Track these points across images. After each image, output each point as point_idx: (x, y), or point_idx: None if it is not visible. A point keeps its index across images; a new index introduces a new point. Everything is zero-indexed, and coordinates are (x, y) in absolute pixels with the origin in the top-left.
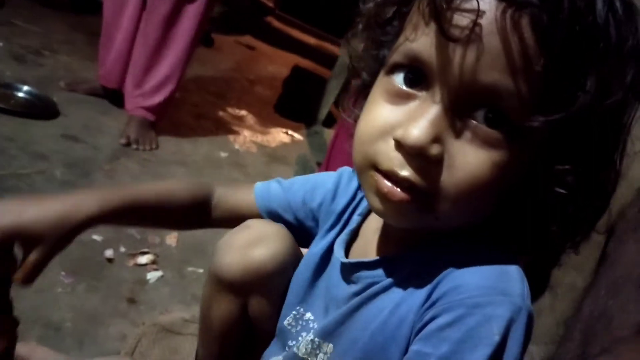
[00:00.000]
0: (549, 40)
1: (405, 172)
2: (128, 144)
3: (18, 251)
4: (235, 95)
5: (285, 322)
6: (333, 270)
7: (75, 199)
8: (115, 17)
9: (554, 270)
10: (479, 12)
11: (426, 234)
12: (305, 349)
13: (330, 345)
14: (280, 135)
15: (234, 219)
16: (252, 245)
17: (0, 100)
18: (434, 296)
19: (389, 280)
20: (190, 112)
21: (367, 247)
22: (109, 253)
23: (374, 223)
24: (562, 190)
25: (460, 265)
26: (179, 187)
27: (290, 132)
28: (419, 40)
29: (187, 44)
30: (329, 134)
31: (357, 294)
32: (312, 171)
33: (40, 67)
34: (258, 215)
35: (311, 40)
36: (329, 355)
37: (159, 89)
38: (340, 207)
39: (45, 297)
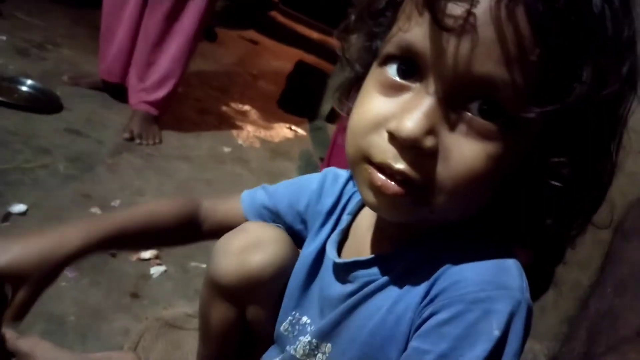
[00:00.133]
0: (544, 30)
1: (399, 164)
2: (131, 139)
3: (7, 289)
4: (238, 90)
5: (282, 328)
6: (325, 272)
7: (58, 236)
8: (115, 11)
9: (559, 267)
10: (473, 2)
11: (421, 229)
12: (303, 350)
13: (329, 345)
14: (283, 131)
15: (223, 230)
16: (249, 250)
17: (4, 94)
18: (433, 292)
19: (385, 278)
20: (193, 106)
21: (360, 246)
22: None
23: (365, 221)
24: (557, 183)
25: (458, 260)
26: (163, 210)
27: (293, 127)
28: (412, 31)
29: (189, 39)
30: (332, 129)
31: (353, 293)
32: (315, 167)
33: (44, 61)
34: None
35: (315, 35)
36: (327, 355)
37: (162, 84)
38: (327, 207)
39: (49, 291)
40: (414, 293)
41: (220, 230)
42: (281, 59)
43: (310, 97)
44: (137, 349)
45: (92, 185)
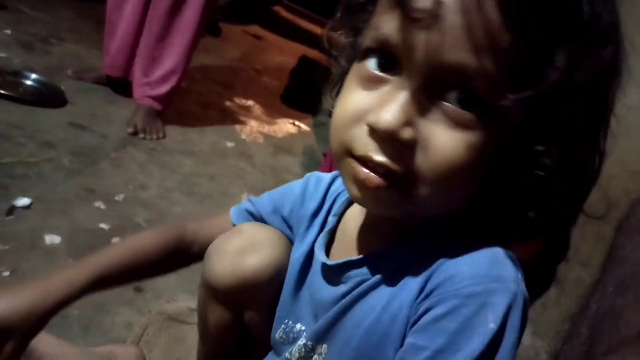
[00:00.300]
0: (514, 16)
1: (380, 157)
2: (135, 133)
3: None
4: (242, 85)
5: (277, 336)
6: (314, 276)
7: (42, 286)
8: (119, 5)
9: (561, 265)
10: None
11: (413, 226)
12: (299, 353)
13: (325, 345)
14: (286, 126)
15: None
16: (245, 253)
17: (9, 88)
18: (428, 288)
19: (379, 276)
20: (197, 101)
21: (349, 246)
22: (116, 241)
23: (353, 221)
24: (540, 172)
25: (452, 255)
26: (147, 243)
27: (296, 122)
28: (388, 24)
29: (191, 33)
30: None
31: (346, 294)
32: (318, 162)
33: (48, 55)
34: None
35: (319, 30)
36: (323, 355)
37: (166, 79)
38: (311, 210)
39: None
40: (408, 290)
41: None
42: (285, 54)
43: (314, 93)
44: (140, 343)
45: (96, 180)
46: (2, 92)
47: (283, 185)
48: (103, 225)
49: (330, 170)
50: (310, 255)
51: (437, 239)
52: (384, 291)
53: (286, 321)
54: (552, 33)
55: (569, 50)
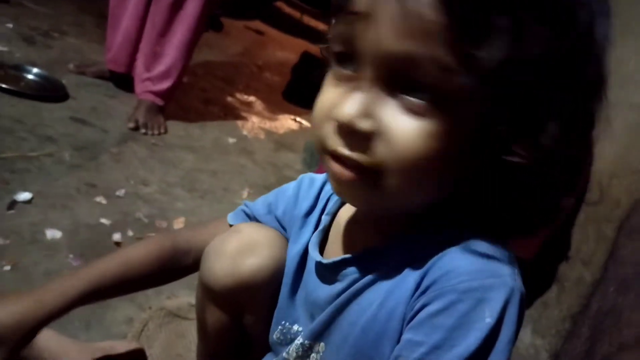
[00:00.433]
0: None
1: (346, 150)
2: (136, 128)
3: None
4: (243, 80)
5: (275, 337)
6: (309, 276)
7: (35, 298)
8: (121, 1)
9: (561, 264)
10: None
11: (406, 222)
12: (296, 353)
13: (322, 344)
14: (288, 122)
15: None
16: (243, 254)
17: (10, 82)
18: (424, 284)
19: (374, 273)
20: (198, 97)
21: (343, 245)
22: (117, 237)
23: (346, 220)
24: (514, 159)
25: (448, 251)
26: (140, 256)
27: (298, 118)
28: (344, 25)
29: (193, 29)
30: None
31: (342, 292)
32: (318, 159)
33: (50, 49)
34: None
35: (321, 26)
36: (321, 354)
37: (167, 74)
38: (304, 210)
39: None
40: (405, 286)
41: None
42: (286, 49)
43: (315, 89)
44: (141, 338)
45: (97, 175)
46: (4, 86)
47: (280, 185)
48: (104, 221)
49: None
50: (304, 255)
51: (432, 236)
52: (380, 288)
53: (283, 322)
54: (483, 10)
55: (511, 25)
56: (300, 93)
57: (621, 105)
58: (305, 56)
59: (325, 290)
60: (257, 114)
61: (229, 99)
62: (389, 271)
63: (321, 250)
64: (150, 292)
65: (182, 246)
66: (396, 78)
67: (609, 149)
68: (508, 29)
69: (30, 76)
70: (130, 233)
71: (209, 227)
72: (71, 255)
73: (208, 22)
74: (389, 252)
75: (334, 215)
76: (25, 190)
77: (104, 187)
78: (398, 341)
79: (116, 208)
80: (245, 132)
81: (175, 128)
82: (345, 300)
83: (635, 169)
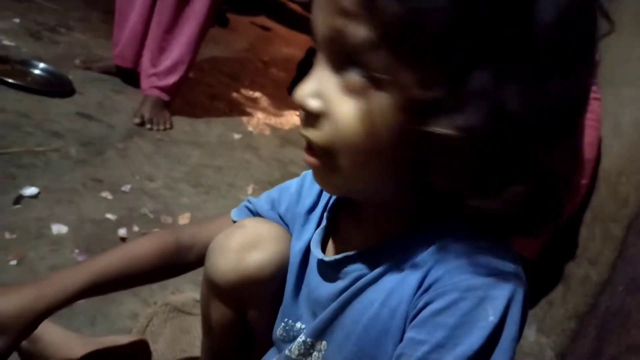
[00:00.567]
0: None
1: (304, 131)
2: (142, 124)
3: None
4: (249, 76)
5: (278, 333)
6: (311, 273)
7: (36, 289)
8: None
9: (568, 262)
10: None
11: (404, 220)
12: (298, 350)
13: (324, 342)
14: (293, 118)
15: None
16: (248, 249)
17: (17, 77)
18: (427, 282)
19: (377, 271)
20: (204, 92)
21: (345, 242)
22: (122, 232)
23: (348, 217)
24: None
25: (450, 249)
26: (142, 251)
27: None
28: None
29: (200, 24)
30: None
31: (344, 290)
32: None
33: (56, 45)
34: None
35: None
36: (323, 352)
37: (173, 70)
38: (306, 207)
39: None
40: (407, 285)
41: None
42: (292, 45)
43: None
44: (145, 333)
45: (103, 170)
46: (11, 81)
47: (285, 181)
48: (109, 216)
49: None
50: (307, 253)
51: (434, 234)
52: (383, 286)
53: (286, 319)
54: None
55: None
56: None
57: (629, 103)
58: (311, 52)
59: (327, 288)
60: (263, 109)
61: (235, 94)
62: (391, 269)
63: (323, 248)
64: (155, 287)
65: (185, 242)
66: (337, 57)
67: (617, 146)
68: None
69: (36, 71)
70: (135, 228)
71: (213, 223)
72: (77, 250)
73: (214, 17)
74: (391, 250)
75: (336, 213)
76: (31, 185)
77: (110, 183)
78: (401, 339)
79: (122, 203)
80: (250, 128)
81: (181, 123)
82: (347, 298)
83: None
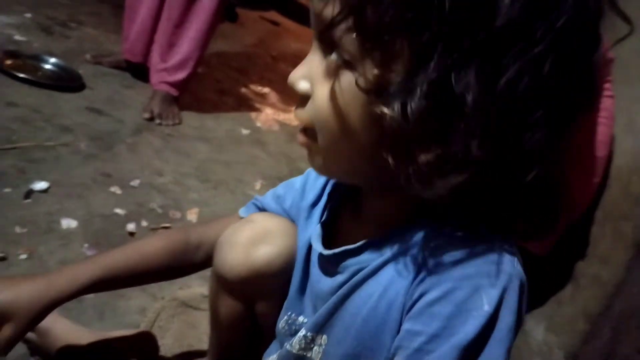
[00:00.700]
0: None
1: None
2: (151, 119)
3: None
4: (258, 71)
5: (280, 326)
6: (313, 267)
7: (46, 280)
8: None
9: (578, 261)
10: None
11: (402, 216)
12: (299, 345)
13: (324, 336)
14: None
15: None
16: (257, 243)
17: (28, 71)
18: (422, 273)
19: (375, 264)
20: (213, 87)
21: (345, 237)
22: (131, 227)
23: (349, 212)
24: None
25: (445, 241)
26: (152, 249)
27: None
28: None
29: (209, 19)
30: None
31: (343, 284)
32: None
33: (67, 39)
34: None
35: None
36: (323, 346)
37: (183, 65)
38: (309, 201)
39: None
40: (404, 277)
41: None
42: (302, 40)
43: None
44: (153, 328)
45: (112, 165)
46: (22, 75)
47: (293, 177)
48: (118, 211)
49: None
50: (310, 246)
51: (432, 227)
52: (381, 279)
53: (289, 313)
54: None
55: None
56: None
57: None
58: None
59: (327, 282)
60: (271, 105)
61: (243, 90)
62: (389, 262)
63: (327, 242)
64: (163, 282)
65: (193, 240)
66: (323, 41)
67: (630, 144)
68: None
69: (47, 66)
70: (144, 223)
71: (221, 222)
72: (86, 245)
73: (223, 12)
74: (389, 243)
75: (338, 208)
76: (41, 179)
77: (119, 177)
78: (397, 331)
79: (131, 198)
80: (258, 124)
81: (190, 119)
82: (346, 292)
83: None
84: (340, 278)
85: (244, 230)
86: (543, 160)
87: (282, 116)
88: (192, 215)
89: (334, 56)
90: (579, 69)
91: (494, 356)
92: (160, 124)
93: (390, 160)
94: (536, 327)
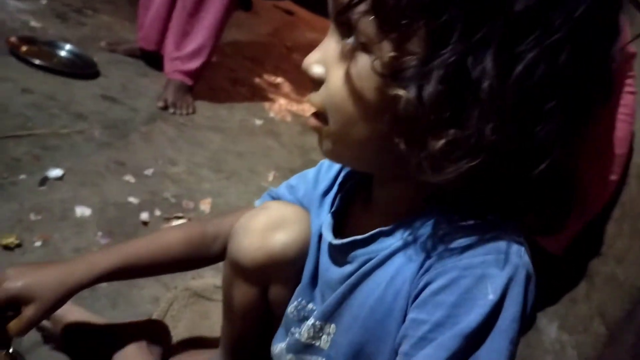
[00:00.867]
0: None
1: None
2: (165, 108)
3: None
4: (272, 61)
5: (289, 311)
6: (323, 256)
7: (67, 267)
8: None
9: (593, 259)
10: None
11: (411, 206)
12: (308, 333)
13: (333, 325)
14: None
15: None
16: (272, 230)
17: (43, 57)
18: (428, 263)
19: (383, 254)
20: (226, 77)
21: (357, 226)
22: (144, 216)
23: (360, 202)
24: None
25: (452, 231)
26: (171, 237)
27: None
28: None
29: (223, 8)
30: None
31: (352, 273)
32: None
33: (82, 26)
34: None
35: None
36: (332, 335)
37: (197, 54)
38: (322, 190)
39: None
40: (411, 266)
41: None
42: (316, 30)
43: None
44: (166, 318)
45: (126, 153)
46: (37, 62)
47: (306, 168)
48: (132, 199)
49: None
50: (320, 235)
51: (441, 216)
52: (389, 268)
53: (300, 299)
54: None
55: None
56: None
57: None
58: None
59: (336, 271)
60: (285, 95)
61: (257, 79)
62: (397, 252)
63: (337, 232)
64: None
65: (211, 232)
66: (340, 25)
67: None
68: None
69: (62, 53)
70: (157, 213)
71: (237, 214)
72: (100, 233)
73: (237, 1)
74: (398, 234)
75: (349, 198)
76: (56, 166)
77: (133, 166)
78: (403, 320)
79: (144, 187)
80: (272, 114)
81: (204, 108)
82: (355, 281)
83: None
84: (349, 268)
85: (260, 216)
86: (555, 152)
87: (296, 107)
88: (205, 206)
89: (350, 39)
90: (596, 60)
91: (497, 345)
92: (174, 113)
93: (401, 145)
94: (549, 326)
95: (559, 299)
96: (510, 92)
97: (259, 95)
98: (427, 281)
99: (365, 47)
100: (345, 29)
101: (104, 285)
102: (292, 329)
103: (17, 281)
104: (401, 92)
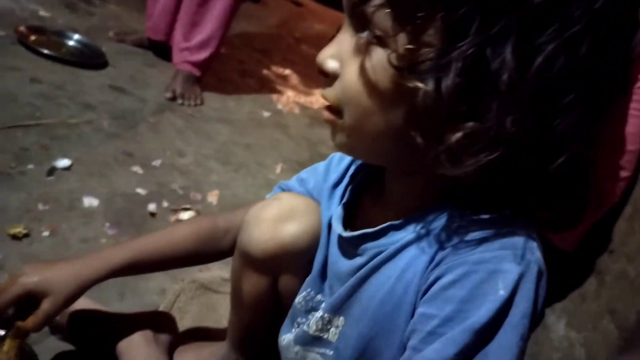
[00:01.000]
0: None
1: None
2: (173, 98)
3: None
4: (280, 53)
5: (297, 300)
6: (332, 248)
7: (83, 262)
8: None
9: (603, 256)
10: None
11: (422, 200)
12: (316, 325)
13: (341, 318)
14: None
15: None
16: (283, 220)
17: (52, 47)
18: (438, 257)
19: (394, 247)
20: (235, 68)
21: (368, 219)
22: (152, 207)
23: (371, 195)
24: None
25: (463, 225)
26: (182, 232)
27: None
28: None
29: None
30: None
31: (362, 266)
32: None
33: (91, 16)
34: None
35: None
36: (340, 328)
37: (205, 45)
38: (332, 182)
39: (90, 247)
40: (421, 260)
41: None
42: (325, 22)
43: None
44: (172, 310)
45: (134, 144)
46: (46, 51)
47: (314, 161)
48: (140, 190)
49: None
50: (330, 227)
51: (454, 210)
52: (399, 262)
53: (309, 290)
54: None
55: None
56: None
57: None
58: None
59: (345, 264)
60: (293, 87)
61: (265, 71)
62: (408, 246)
63: (347, 224)
64: None
65: (221, 227)
66: (355, 19)
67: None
68: None
69: (71, 42)
70: (165, 204)
71: (248, 208)
72: (107, 224)
73: None
74: (409, 227)
75: (360, 190)
76: (64, 156)
77: (141, 157)
78: (412, 314)
79: (152, 178)
80: (280, 106)
81: (212, 100)
82: (365, 274)
83: None
84: (359, 260)
85: (271, 207)
86: (574, 145)
87: (303, 99)
88: (212, 197)
89: (365, 33)
90: (615, 53)
91: (506, 341)
92: (182, 104)
93: (418, 138)
94: (557, 322)
95: (567, 295)
96: (530, 84)
97: (267, 87)
98: (437, 275)
99: (380, 40)
100: (360, 22)
101: None
102: (299, 319)
103: (33, 276)
104: (419, 84)
